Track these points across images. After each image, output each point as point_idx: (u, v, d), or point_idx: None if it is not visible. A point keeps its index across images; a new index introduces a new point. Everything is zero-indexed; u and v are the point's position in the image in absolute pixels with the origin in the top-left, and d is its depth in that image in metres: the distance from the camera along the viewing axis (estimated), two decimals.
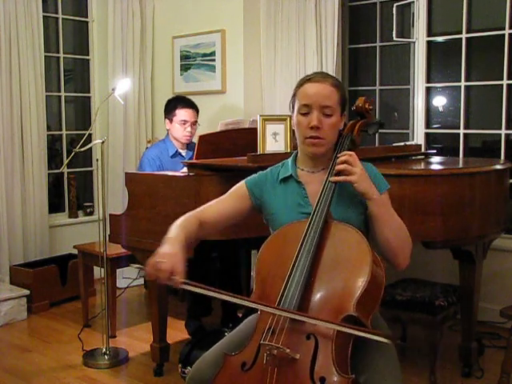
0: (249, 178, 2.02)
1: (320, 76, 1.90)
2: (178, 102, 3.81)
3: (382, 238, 1.81)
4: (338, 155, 1.84)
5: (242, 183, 2.02)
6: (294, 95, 1.93)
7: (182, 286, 1.69)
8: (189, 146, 3.84)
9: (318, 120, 1.83)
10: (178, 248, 1.74)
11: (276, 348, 1.61)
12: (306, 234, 1.76)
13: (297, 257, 1.73)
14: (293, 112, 1.94)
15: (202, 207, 1.98)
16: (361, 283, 1.66)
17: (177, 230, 1.83)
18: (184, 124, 3.75)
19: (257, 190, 1.98)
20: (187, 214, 1.93)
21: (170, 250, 1.72)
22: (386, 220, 1.81)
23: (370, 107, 2.01)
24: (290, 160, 2.00)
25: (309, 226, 1.77)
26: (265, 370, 1.61)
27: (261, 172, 2.04)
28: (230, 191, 2.02)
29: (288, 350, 1.60)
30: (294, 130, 1.96)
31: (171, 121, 3.78)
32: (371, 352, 1.75)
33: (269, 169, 2.04)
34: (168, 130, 3.83)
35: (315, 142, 1.86)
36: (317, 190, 1.87)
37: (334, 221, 1.80)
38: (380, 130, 2.08)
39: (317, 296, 1.70)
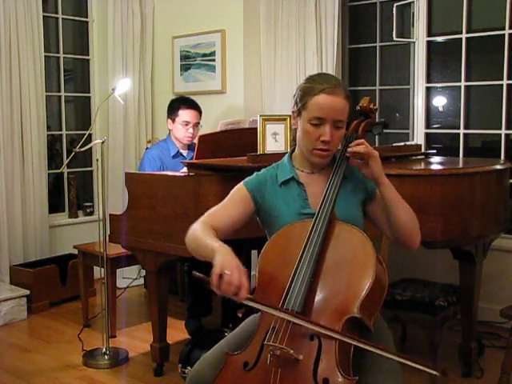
0: (247, 180, 1.95)
1: (332, 86, 1.81)
2: (181, 102, 3.78)
3: (400, 221, 1.84)
4: (349, 149, 1.84)
5: (241, 186, 1.94)
6: (305, 103, 1.83)
7: (245, 301, 1.62)
8: (190, 146, 3.83)
9: (331, 134, 1.82)
10: (236, 258, 1.65)
11: (279, 349, 1.59)
12: (310, 234, 1.75)
13: (301, 257, 1.72)
14: (298, 116, 1.88)
15: (207, 215, 1.88)
16: (365, 285, 1.64)
17: (214, 238, 1.74)
18: (186, 125, 3.73)
19: (258, 192, 1.92)
20: (201, 223, 1.84)
21: (233, 262, 1.62)
22: (399, 203, 1.84)
23: (375, 107, 1.98)
24: (285, 162, 1.96)
25: (313, 225, 1.76)
26: (268, 371, 1.60)
27: (258, 173, 1.98)
28: (230, 196, 1.94)
29: (292, 351, 1.58)
30: (293, 129, 1.94)
31: (174, 121, 3.75)
32: (372, 352, 1.74)
33: (265, 170, 1.98)
34: (170, 130, 3.82)
35: (324, 154, 1.85)
36: (316, 192, 1.87)
37: (339, 221, 1.79)
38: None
39: (320, 297, 1.68)
